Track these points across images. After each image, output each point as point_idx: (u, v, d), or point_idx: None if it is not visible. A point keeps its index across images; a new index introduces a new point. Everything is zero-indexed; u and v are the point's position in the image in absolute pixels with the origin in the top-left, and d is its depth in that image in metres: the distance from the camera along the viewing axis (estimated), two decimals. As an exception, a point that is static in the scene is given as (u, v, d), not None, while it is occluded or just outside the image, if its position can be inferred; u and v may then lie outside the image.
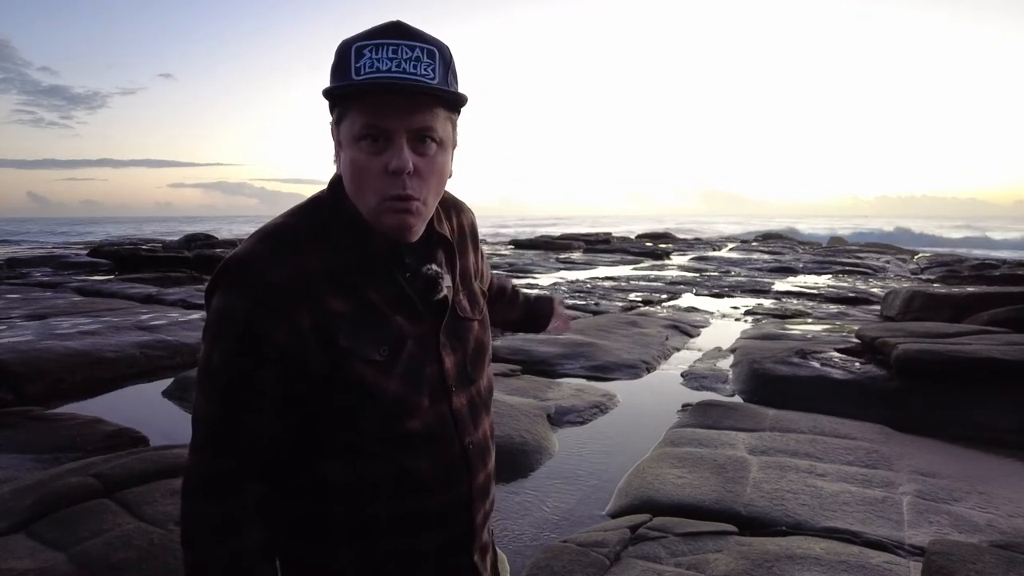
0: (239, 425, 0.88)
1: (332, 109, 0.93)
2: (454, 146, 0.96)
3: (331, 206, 0.96)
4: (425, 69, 0.87)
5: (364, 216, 0.93)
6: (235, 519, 0.88)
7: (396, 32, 0.87)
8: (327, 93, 0.90)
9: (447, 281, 1.00)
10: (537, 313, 1.57)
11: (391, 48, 0.86)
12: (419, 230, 0.97)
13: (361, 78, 0.86)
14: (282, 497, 0.93)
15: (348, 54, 0.87)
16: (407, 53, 0.87)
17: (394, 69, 0.86)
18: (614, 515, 3.35)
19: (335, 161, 0.96)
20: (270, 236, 0.92)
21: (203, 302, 0.94)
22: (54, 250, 22.17)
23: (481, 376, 1.06)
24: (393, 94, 0.87)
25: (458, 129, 0.97)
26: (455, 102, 0.92)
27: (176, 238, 26.94)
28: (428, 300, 0.98)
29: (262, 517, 0.90)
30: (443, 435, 0.97)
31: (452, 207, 1.11)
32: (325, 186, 1.01)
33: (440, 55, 0.89)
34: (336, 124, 0.92)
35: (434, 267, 0.99)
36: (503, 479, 3.77)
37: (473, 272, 1.11)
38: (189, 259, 16.25)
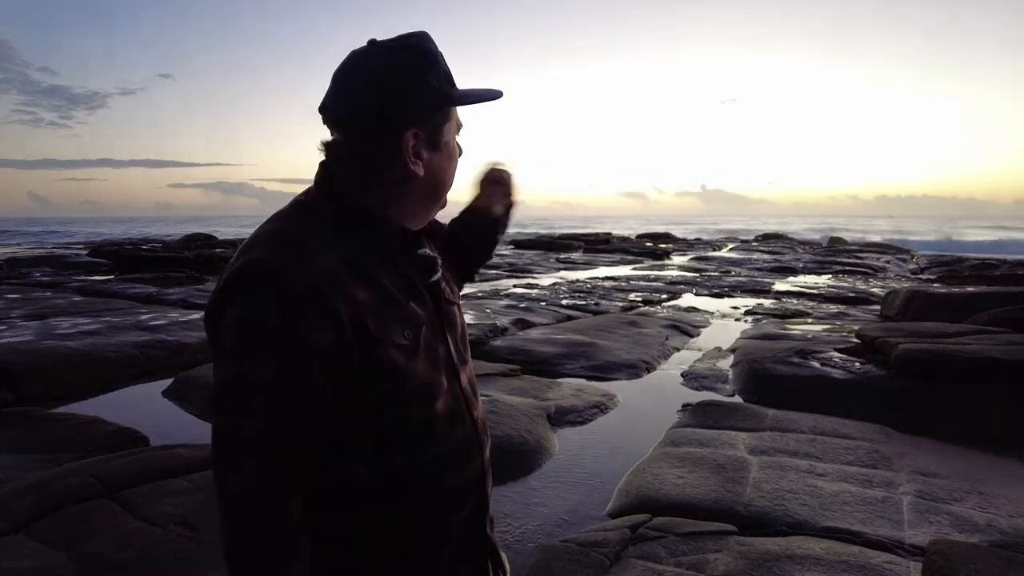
0: (287, 440, 0.83)
1: (432, 110, 0.96)
2: None
3: (328, 204, 0.96)
4: None
5: (425, 204, 1.02)
6: (291, 543, 0.84)
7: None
8: (450, 98, 0.98)
9: (439, 263, 1.05)
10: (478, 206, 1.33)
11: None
12: None
13: (466, 88, 0.98)
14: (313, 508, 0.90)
15: (435, 57, 0.96)
16: None
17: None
18: (614, 515, 3.35)
19: (414, 165, 0.95)
20: (281, 240, 0.89)
21: (204, 303, 0.93)
22: (54, 250, 22.17)
23: (470, 356, 1.13)
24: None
25: None
26: None
27: (176, 238, 26.93)
28: (426, 283, 1.01)
29: (307, 535, 0.87)
30: (459, 413, 1.01)
31: None
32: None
33: None
34: (441, 126, 0.98)
35: (427, 251, 1.03)
36: (503, 479, 3.76)
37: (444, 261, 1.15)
38: (189, 259, 16.26)
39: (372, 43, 0.95)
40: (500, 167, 1.31)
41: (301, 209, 0.96)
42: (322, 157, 0.99)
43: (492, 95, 1.00)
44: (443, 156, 0.99)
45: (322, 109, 0.96)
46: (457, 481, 0.99)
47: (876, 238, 37.85)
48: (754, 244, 30.90)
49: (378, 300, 0.91)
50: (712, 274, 16.00)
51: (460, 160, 1.04)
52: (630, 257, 21.68)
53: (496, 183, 1.30)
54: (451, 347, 1.03)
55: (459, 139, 1.04)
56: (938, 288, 9.78)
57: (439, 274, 1.03)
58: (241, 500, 0.83)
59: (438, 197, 1.03)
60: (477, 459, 1.03)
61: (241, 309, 0.83)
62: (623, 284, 13.41)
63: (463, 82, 1.00)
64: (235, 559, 0.83)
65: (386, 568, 0.95)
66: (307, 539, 0.87)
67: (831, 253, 24.09)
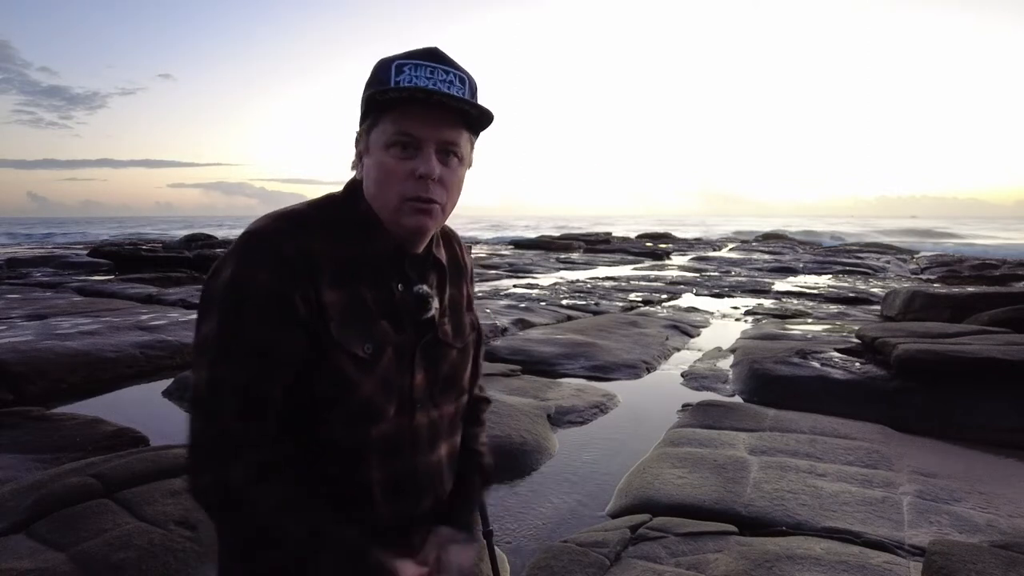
0: (264, 390, 0.88)
1: (365, 117, 0.99)
2: (469, 165, 1.03)
3: (344, 204, 1.01)
4: (457, 92, 0.95)
5: (382, 217, 0.98)
6: (265, 472, 0.88)
7: (433, 56, 0.96)
8: (371, 98, 0.95)
9: (435, 303, 1.04)
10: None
11: (428, 69, 0.95)
12: (429, 235, 1.02)
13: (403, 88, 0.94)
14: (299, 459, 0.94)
15: (389, 69, 0.95)
16: (442, 75, 0.95)
17: (431, 87, 0.93)
18: (614, 515, 3.35)
19: (356, 166, 1.02)
20: (285, 216, 0.96)
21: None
22: (54, 250, 22.16)
23: (447, 403, 1.06)
24: (428, 107, 0.93)
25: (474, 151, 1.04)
26: (478, 125, 1.00)
27: (176, 238, 26.93)
28: (415, 316, 1.01)
29: (290, 474, 0.90)
30: (399, 449, 0.99)
31: (452, 238, 1.16)
32: (335, 188, 1.06)
33: (469, 82, 0.98)
34: (367, 131, 0.99)
35: (425, 288, 1.03)
36: (503, 479, 3.77)
37: (464, 303, 1.14)
38: (189, 259, 16.25)
39: None
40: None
41: (325, 201, 1.02)
42: None
43: (408, 91, 0.92)
44: (371, 161, 0.97)
45: None
46: (386, 514, 0.98)
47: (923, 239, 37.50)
48: (754, 244, 30.92)
49: (347, 305, 0.93)
50: (712, 274, 16.00)
51: (404, 169, 0.95)
52: (630, 257, 21.70)
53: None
54: (417, 382, 1.00)
55: (406, 149, 0.95)
56: (938, 288, 9.77)
57: (432, 312, 1.02)
58: (208, 441, 0.88)
59: (383, 205, 0.97)
60: (411, 502, 1.01)
61: (231, 268, 0.90)
62: (623, 284, 13.41)
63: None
64: (201, 498, 0.89)
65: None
66: (289, 474, 0.90)
67: (831, 253, 24.10)
